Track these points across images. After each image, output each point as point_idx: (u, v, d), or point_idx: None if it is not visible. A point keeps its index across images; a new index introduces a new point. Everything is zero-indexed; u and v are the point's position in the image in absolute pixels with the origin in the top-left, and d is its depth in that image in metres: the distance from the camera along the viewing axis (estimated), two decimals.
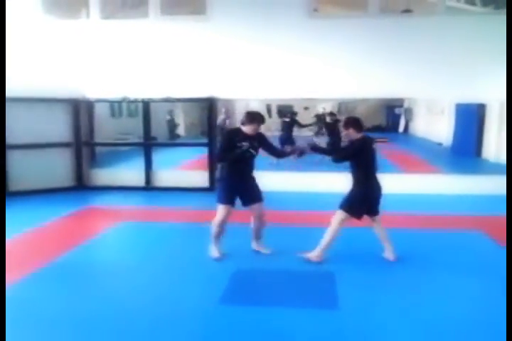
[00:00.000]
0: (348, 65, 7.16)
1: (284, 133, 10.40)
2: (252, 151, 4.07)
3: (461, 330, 2.97)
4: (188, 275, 3.92)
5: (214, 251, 4.27)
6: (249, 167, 4.21)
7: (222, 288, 3.58)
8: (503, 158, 9.53)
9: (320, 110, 13.27)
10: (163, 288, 3.63)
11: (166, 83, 7.44)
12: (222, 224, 4.20)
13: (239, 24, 7.21)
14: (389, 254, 4.14)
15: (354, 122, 4.04)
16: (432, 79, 7.05)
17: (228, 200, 4.15)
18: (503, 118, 10.00)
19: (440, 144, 13.38)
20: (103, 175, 7.70)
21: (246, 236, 4.89)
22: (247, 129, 4.05)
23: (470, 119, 10.99)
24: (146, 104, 7.43)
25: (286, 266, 4.06)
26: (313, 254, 4.08)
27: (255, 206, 4.22)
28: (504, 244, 4.62)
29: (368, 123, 19.46)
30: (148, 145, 7.62)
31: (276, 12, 7.17)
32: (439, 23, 6.99)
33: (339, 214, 4.01)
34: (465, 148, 10.97)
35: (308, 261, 4.05)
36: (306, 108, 19.96)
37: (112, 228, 5.29)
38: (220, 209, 4.16)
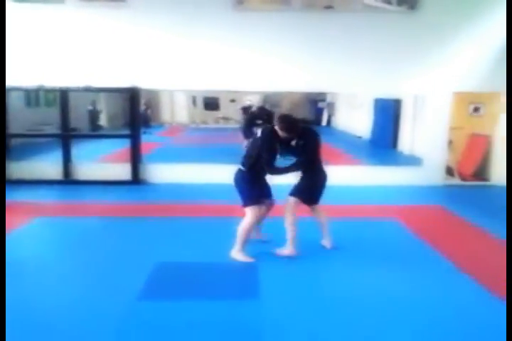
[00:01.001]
0: (272, 59, 7.24)
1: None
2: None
3: (382, 317, 3.13)
4: (108, 271, 3.82)
5: (244, 257, 4.01)
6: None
7: (141, 284, 3.52)
8: (416, 150, 10.14)
9: (247, 102, 13.31)
10: (80, 286, 3.51)
11: (86, 72, 7.11)
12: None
13: (161, 13, 7.04)
14: (327, 242, 4.32)
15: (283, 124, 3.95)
16: (352, 75, 7.31)
17: (259, 200, 4.05)
18: (416, 113, 10.62)
19: (360, 137, 13.96)
20: (18, 169, 7.26)
21: (164, 230, 4.87)
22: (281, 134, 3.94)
23: (387, 114, 11.58)
24: (64, 93, 7.10)
25: (209, 259, 4.06)
26: (286, 249, 4.06)
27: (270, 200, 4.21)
28: (417, 232, 4.94)
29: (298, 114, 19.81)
30: (66, 137, 7.29)
31: (201, 3, 7.09)
32: (358, 20, 7.24)
33: (290, 201, 4.05)
34: (382, 141, 11.55)
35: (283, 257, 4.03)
36: (232, 100, 20.00)
37: (28, 224, 5.03)
38: (252, 211, 3.98)
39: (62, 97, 7.12)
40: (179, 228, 4.97)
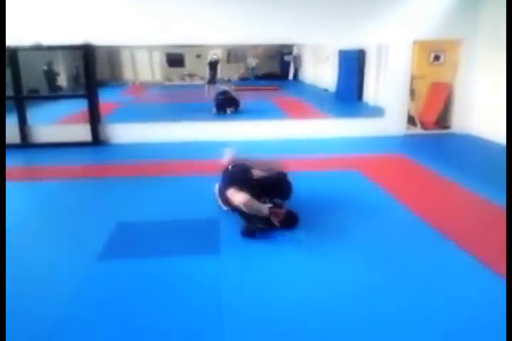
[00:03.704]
0: (237, 11, 7.00)
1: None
2: None
3: (340, 263, 3.23)
4: (69, 232, 3.80)
5: None
6: None
7: (102, 244, 3.52)
8: (380, 101, 10.17)
9: (213, 57, 12.97)
10: (41, 248, 3.50)
11: (35, 28, 6.73)
12: None
13: None
14: None
15: None
16: (315, 26, 7.15)
17: None
18: (380, 63, 10.56)
19: (326, 90, 13.89)
20: None
21: (125, 190, 4.83)
22: None
23: (351, 65, 11.47)
24: (13, 53, 6.75)
25: (171, 217, 4.05)
26: None
27: None
28: (378, 181, 5.03)
29: (259, 71, 19.53)
30: (19, 99, 7.00)
31: None
32: None
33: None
34: (347, 93, 11.51)
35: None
36: (198, 56, 19.50)
37: None
38: None
39: (11, 57, 6.77)
40: (141, 187, 4.93)
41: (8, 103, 7.69)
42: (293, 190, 3.91)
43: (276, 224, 3.65)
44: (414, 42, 7.47)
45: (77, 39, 6.73)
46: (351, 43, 10.24)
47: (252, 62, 18.72)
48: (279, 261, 3.23)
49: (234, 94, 10.54)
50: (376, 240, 3.57)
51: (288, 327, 2.46)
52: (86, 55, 6.88)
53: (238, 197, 3.63)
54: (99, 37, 6.84)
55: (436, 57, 8.17)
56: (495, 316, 2.47)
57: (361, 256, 3.29)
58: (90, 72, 7.00)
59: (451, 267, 3.10)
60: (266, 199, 3.73)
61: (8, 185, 5.06)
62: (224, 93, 10.45)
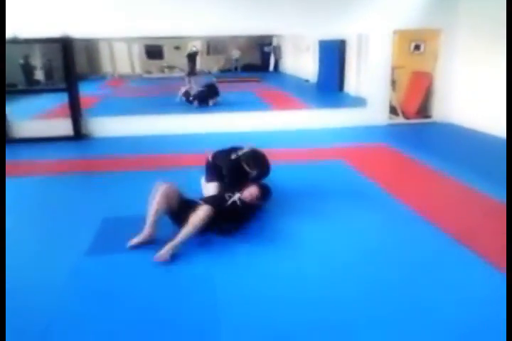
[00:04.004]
0: (215, 2, 6.93)
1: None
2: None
3: (327, 255, 3.26)
4: (54, 228, 3.74)
5: None
6: None
7: (89, 239, 3.48)
8: (362, 91, 10.23)
9: (193, 49, 12.85)
10: (28, 244, 3.46)
11: (12, 21, 6.54)
12: None
13: None
14: None
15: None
16: (295, 16, 7.13)
17: None
18: (360, 53, 10.61)
19: (307, 81, 13.90)
20: None
21: (109, 184, 4.78)
22: None
23: (332, 55, 11.50)
24: None
25: None
26: None
27: None
28: (362, 170, 5.08)
29: (239, 62, 19.40)
30: None
31: None
32: None
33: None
34: (329, 84, 11.55)
35: None
36: (177, 47, 19.31)
37: None
38: None
39: None
40: (125, 182, 4.88)
41: None
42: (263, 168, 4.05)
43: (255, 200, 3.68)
44: (395, 32, 7.50)
45: (54, 32, 6.59)
46: (331, 33, 10.25)
47: (236, 53, 18.63)
48: (271, 257, 3.25)
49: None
50: (365, 227, 3.62)
51: (282, 324, 2.49)
52: (65, 48, 6.75)
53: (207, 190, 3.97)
54: (77, 29, 6.70)
55: (417, 47, 8.25)
56: (494, 309, 2.50)
57: (352, 243, 3.33)
58: (70, 65, 6.87)
59: (438, 253, 3.16)
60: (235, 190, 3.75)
61: None
62: (209, 85, 10.39)
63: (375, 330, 2.35)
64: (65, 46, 6.74)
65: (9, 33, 6.45)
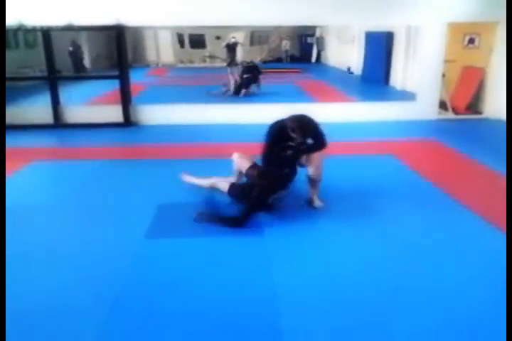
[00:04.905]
0: None
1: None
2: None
3: (386, 254, 3.25)
4: (111, 212, 3.84)
5: None
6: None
7: (147, 224, 3.57)
8: (408, 85, 10.03)
9: (231, 39, 12.86)
10: (86, 228, 3.55)
11: (67, 8, 6.70)
12: None
13: None
14: None
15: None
16: (341, 7, 7.02)
17: None
18: (409, 45, 10.39)
19: (351, 73, 13.73)
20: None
21: (161, 171, 4.86)
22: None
23: (379, 48, 11.31)
24: (46, 33, 6.77)
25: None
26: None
27: None
28: (414, 166, 5.00)
29: (281, 53, 19.31)
30: (53, 79, 7.05)
31: None
32: None
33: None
34: (374, 76, 11.38)
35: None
36: (217, 37, 19.38)
37: (24, 169, 4.98)
38: None
39: (45, 37, 6.79)
40: (174, 169, 4.94)
41: (36, 83, 7.78)
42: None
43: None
44: (448, 25, 7.29)
45: (107, 20, 6.71)
46: (379, 25, 10.08)
47: (286, 44, 18.53)
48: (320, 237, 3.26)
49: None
50: (416, 222, 3.57)
51: (339, 301, 2.50)
52: (118, 36, 6.86)
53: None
54: (129, 17, 6.81)
55: (471, 40, 8.01)
56: None
57: (400, 234, 3.30)
58: (122, 52, 6.98)
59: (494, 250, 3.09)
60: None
61: (42, 165, 5.19)
62: (250, 67, 10.27)
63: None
64: (118, 34, 6.85)
65: (64, 20, 6.62)
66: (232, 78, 10.34)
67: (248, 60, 10.92)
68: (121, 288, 2.70)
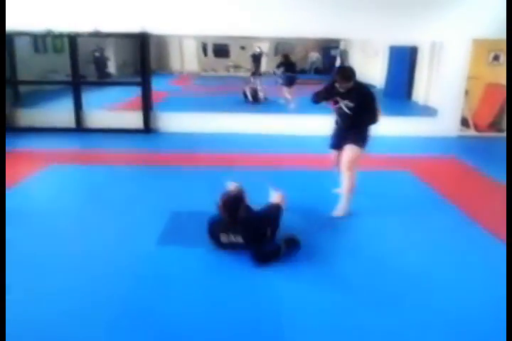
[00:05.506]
0: (282, 4, 6.95)
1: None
2: (345, 109, 3.88)
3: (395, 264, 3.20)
4: (126, 218, 3.88)
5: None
6: (345, 124, 4.02)
7: (159, 230, 3.59)
8: (431, 100, 9.94)
9: (257, 50, 12.92)
10: (102, 232, 3.59)
11: (95, 16, 6.83)
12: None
13: None
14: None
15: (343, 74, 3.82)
16: (365, 20, 7.00)
17: (330, 146, 4.26)
18: (433, 61, 10.32)
19: (374, 87, 13.66)
20: (28, 116, 7.25)
21: (178, 179, 4.88)
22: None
23: (402, 62, 11.26)
24: (73, 39, 6.91)
25: None
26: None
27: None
28: (430, 183, 4.93)
29: (304, 64, 19.39)
30: (77, 84, 7.18)
31: None
32: None
33: (355, 151, 3.98)
34: (397, 91, 11.30)
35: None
36: (242, 47, 19.55)
37: (43, 171, 5.07)
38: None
39: (71, 43, 6.95)
40: (192, 178, 4.98)
41: (62, 87, 7.93)
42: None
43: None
44: (473, 41, 7.21)
45: (132, 27, 6.82)
46: (404, 40, 10.04)
47: (313, 56, 18.56)
48: None
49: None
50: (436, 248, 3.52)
51: None
52: (142, 43, 6.97)
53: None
54: (154, 25, 6.91)
55: (496, 57, 7.91)
56: None
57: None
58: (145, 60, 7.09)
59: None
60: None
61: (61, 168, 5.26)
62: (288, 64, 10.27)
63: None
64: (142, 41, 6.96)
65: (91, 27, 6.76)
66: (251, 87, 10.48)
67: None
68: (127, 293, 2.72)
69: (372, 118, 3.94)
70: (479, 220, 3.92)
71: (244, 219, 3.21)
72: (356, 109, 3.85)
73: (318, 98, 3.99)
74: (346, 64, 18.11)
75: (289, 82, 9.99)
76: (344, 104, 3.87)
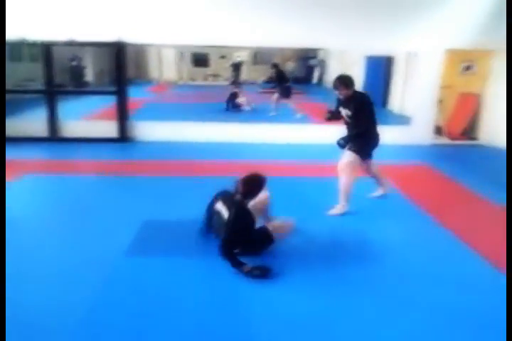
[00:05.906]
0: (261, 14, 7.01)
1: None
2: (346, 118, 4.21)
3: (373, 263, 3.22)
4: (96, 227, 3.83)
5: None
6: (348, 131, 4.28)
7: (129, 240, 3.55)
8: (406, 109, 10.10)
9: (237, 59, 12.99)
10: (70, 242, 3.54)
11: (70, 25, 6.79)
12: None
13: None
14: (382, 189, 4.70)
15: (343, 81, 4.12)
16: (343, 31, 7.11)
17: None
18: (408, 71, 10.49)
19: None
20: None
21: (152, 188, 4.85)
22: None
23: (378, 72, 11.45)
24: (48, 47, 6.85)
25: (197, 217, 4.02)
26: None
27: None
28: (403, 190, 5.00)
29: (291, 74, 19.51)
30: (51, 93, 7.11)
31: None
32: None
33: (349, 156, 4.21)
34: (373, 100, 11.45)
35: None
36: (222, 56, 19.64)
37: (16, 181, 4.99)
38: None
39: (46, 52, 6.88)
40: (166, 186, 4.96)
41: (37, 96, 7.83)
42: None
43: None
44: (446, 51, 7.37)
45: (108, 36, 6.80)
46: (380, 50, 10.22)
47: (289, 66, 18.70)
48: None
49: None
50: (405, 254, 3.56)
51: None
52: (118, 52, 6.94)
53: None
54: (130, 35, 6.91)
55: (468, 67, 8.09)
56: None
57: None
58: (121, 69, 7.06)
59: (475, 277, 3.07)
60: None
61: (36, 178, 5.19)
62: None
63: None
64: (118, 51, 6.94)
65: (66, 36, 6.72)
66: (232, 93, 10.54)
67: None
68: (91, 306, 2.67)
69: (362, 127, 4.13)
70: (450, 226, 3.98)
71: (243, 207, 3.22)
72: (353, 118, 4.13)
73: (332, 115, 4.34)
74: (324, 73, 18.37)
75: (287, 93, 10.00)
76: (345, 113, 4.20)
